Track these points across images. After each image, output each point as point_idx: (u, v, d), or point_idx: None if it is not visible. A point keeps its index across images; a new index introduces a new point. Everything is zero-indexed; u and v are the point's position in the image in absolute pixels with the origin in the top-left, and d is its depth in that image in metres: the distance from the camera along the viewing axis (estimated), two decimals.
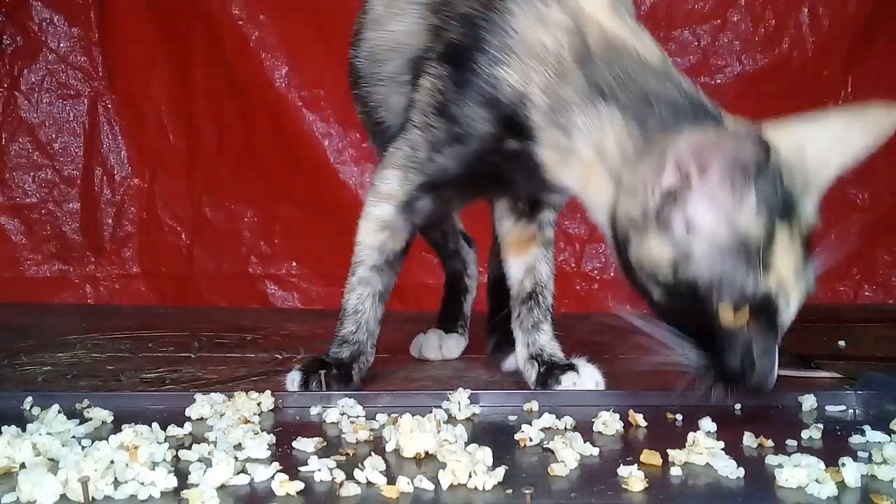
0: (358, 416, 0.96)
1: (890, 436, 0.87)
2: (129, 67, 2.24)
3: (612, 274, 2.16)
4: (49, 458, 0.79)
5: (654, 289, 0.94)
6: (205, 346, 1.49)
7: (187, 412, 0.96)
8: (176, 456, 0.81)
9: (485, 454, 0.78)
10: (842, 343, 1.37)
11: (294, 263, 2.25)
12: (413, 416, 0.87)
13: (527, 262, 1.24)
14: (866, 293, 2.21)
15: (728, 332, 0.91)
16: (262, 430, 0.88)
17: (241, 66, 2.16)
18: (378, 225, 1.16)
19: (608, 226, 1.00)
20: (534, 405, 1.01)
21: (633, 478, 0.75)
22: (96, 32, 2.24)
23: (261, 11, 2.15)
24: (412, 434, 0.83)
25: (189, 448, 0.82)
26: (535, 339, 1.19)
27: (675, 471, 0.79)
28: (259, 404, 0.99)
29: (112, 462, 0.74)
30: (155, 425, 0.87)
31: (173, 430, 0.89)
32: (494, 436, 0.89)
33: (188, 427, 0.91)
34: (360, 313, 1.17)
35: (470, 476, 0.75)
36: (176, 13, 2.19)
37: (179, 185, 2.25)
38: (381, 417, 0.93)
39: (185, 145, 2.25)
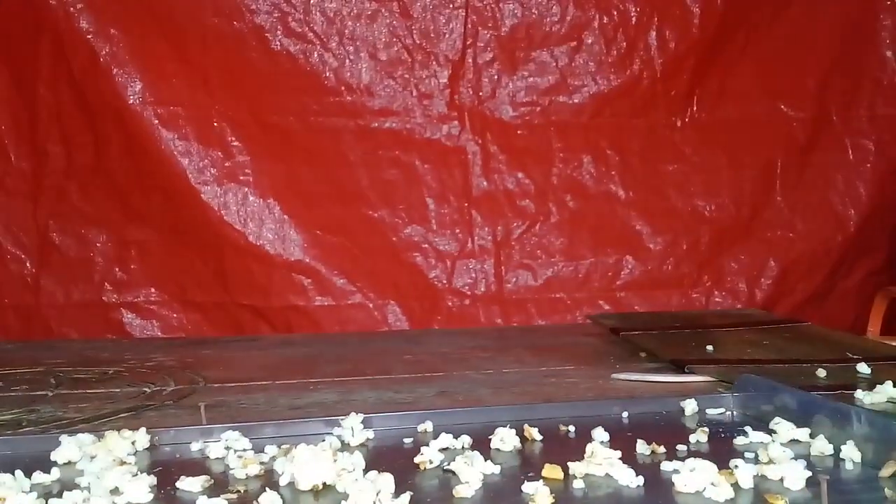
0: (245, 450, 0.91)
1: (771, 436, 0.91)
2: None
3: (482, 289, 2.18)
4: None
5: None
6: (63, 382, 1.37)
7: (53, 456, 0.87)
8: None
9: (386, 481, 0.76)
10: (710, 348, 1.43)
11: (153, 290, 2.14)
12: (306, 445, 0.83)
13: None
14: (717, 299, 2.34)
15: None
16: (141, 472, 0.81)
17: (91, 83, 2.04)
18: None
19: None
20: (428, 426, 0.99)
21: (540, 494, 0.74)
22: None
23: (111, 25, 2.03)
24: (307, 465, 0.79)
25: (60, 496, 0.75)
26: None
27: (578, 483, 0.79)
28: (133, 443, 0.92)
29: None
30: (18, 473, 0.78)
31: (39, 476, 0.81)
32: (392, 460, 0.86)
33: (56, 473, 0.83)
34: None
35: None
36: (16, 26, 2.04)
37: (23, 209, 2.09)
38: (271, 449, 0.88)
39: (28, 167, 2.09)
